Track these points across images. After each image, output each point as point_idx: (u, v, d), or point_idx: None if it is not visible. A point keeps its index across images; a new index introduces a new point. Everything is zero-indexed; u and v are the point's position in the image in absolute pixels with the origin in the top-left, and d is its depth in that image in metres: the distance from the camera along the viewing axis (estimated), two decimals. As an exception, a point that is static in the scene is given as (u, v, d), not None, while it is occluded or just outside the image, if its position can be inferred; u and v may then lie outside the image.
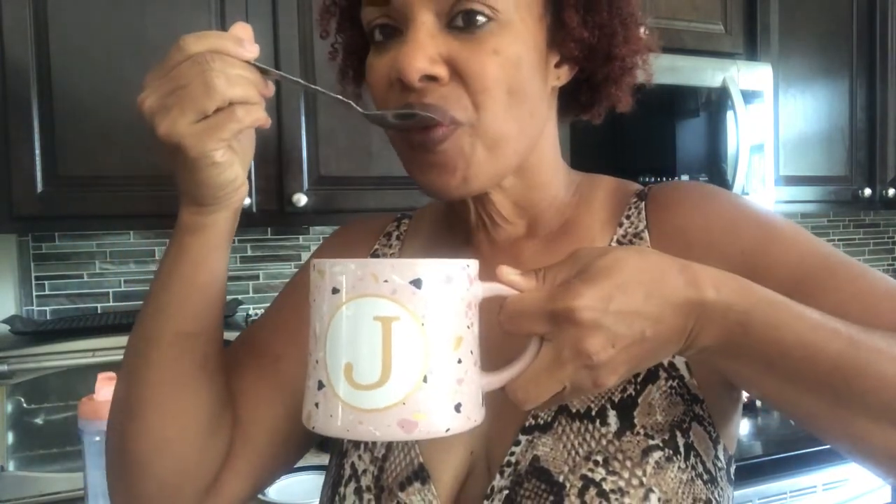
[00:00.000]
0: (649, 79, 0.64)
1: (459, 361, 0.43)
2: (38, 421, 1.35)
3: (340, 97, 0.55)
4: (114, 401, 0.59)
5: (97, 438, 1.05)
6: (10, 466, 1.32)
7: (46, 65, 1.34)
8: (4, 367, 1.30)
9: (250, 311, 1.81)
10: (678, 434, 0.56)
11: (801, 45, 2.06)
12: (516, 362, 0.45)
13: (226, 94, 0.48)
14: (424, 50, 0.51)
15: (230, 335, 1.47)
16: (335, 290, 0.43)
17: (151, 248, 1.76)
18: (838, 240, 2.65)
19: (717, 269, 0.46)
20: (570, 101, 0.63)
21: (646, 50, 0.61)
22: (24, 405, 1.34)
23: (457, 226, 0.66)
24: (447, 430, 0.43)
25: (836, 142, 2.13)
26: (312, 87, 0.53)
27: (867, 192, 2.16)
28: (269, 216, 1.53)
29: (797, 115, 2.06)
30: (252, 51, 0.52)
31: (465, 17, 0.52)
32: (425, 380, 0.42)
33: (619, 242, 0.60)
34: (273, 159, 1.52)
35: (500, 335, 0.44)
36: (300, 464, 1.60)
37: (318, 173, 1.55)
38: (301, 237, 1.90)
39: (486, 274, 0.61)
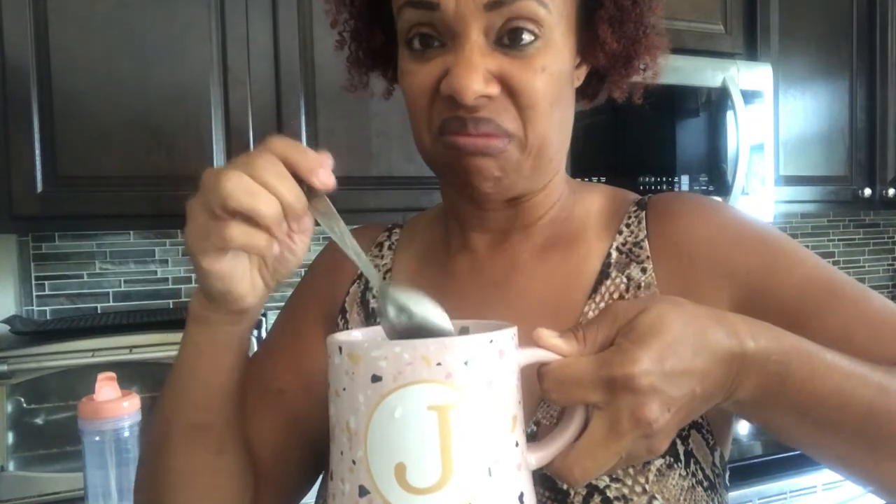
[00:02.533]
0: (656, 78, 0.64)
1: (517, 444, 0.39)
2: (38, 421, 1.35)
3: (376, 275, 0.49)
4: (137, 479, 0.59)
5: (97, 438, 1.05)
6: (10, 466, 1.32)
7: (46, 65, 1.34)
8: (4, 367, 1.30)
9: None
10: (678, 441, 0.56)
11: (801, 45, 2.06)
12: (560, 433, 0.41)
13: (226, 201, 0.43)
14: (478, 70, 0.51)
15: (230, 335, 1.47)
16: (376, 378, 0.36)
17: (151, 248, 1.76)
18: (838, 240, 2.65)
19: (749, 318, 0.45)
20: (577, 93, 0.64)
21: (661, 53, 0.63)
22: (24, 405, 1.34)
23: (453, 230, 0.66)
24: None
25: (836, 142, 2.13)
26: (355, 256, 0.49)
27: (867, 192, 2.16)
28: (269, 216, 1.53)
29: (797, 115, 2.06)
30: (324, 181, 0.46)
31: (512, 34, 0.53)
32: (490, 472, 0.37)
33: (619, 250, 0.61)
34: (273, 159, 1.52)
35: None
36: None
37: (318, 173, 1.55)
38: (301, 237, 1.90)
39: (483, 277, 0.61)
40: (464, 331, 0.44)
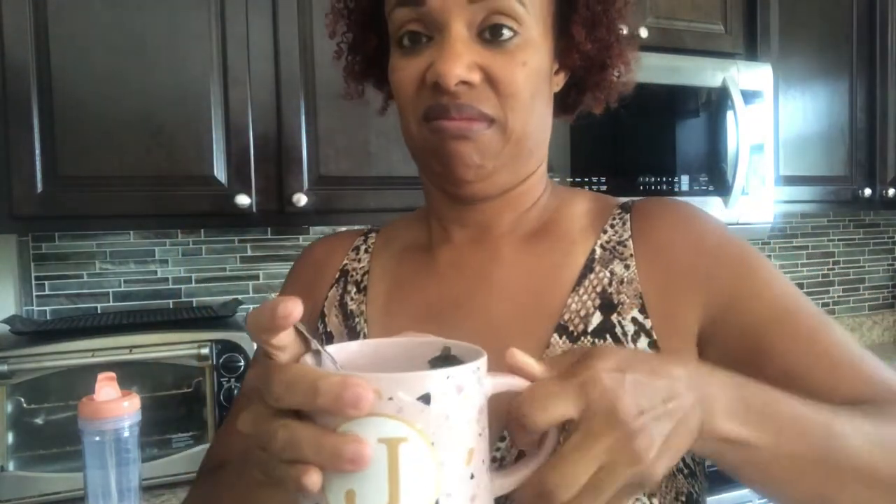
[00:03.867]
0: (629, 87, 0.68)
1: (472, 476, 0.39)
2: (38, 421, 1.35)
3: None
4: None
5: (97, 438, 1.04)
6: (10, 466, 1.32)
7: (46, 65, 1.34)
8: (4, 367, 1.30)
9: (250, 311, 1.81)
10: None
11: (801, 45, 2.06)
12: (532, 457, 0.41)
13: (281, 454, 0.38)
14: (461, 58, 0.55)
15: (231, 335, 1.48)
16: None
17: (151, 248, 1.76)
18: (838, 240, 2.65)
19: (700, 363, 0.48)
20: (556, 103, 0.67)
21: (633, 61, 0.66)
22: (24, 405, 1.34)
23: (434, 227, 0.69)
24: None
25: (836, 142, 2.13)
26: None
27: (867, 192, 2.16)
28: (269, 216, 1.53)
29: (797, 115, 2.06)
30: (293, 317, 0.38)
31: (493, 30, 0.57)
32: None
33: (603, 248, 0.63)
34: (273, 159, 1.52)
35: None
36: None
37: (318, 173, 1.55)
38: (301, 237, 1.90)
39: (463, 270, 0.64)
40: (445, 350, 0.44)
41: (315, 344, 0.41)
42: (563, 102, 0.68)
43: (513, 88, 0.57)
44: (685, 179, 1.80)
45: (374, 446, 0.36)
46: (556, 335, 0.60)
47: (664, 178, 1.78)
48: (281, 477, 0.38)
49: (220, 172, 1.47)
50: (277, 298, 0.38)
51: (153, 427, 1.39)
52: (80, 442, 1.06)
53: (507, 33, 0.57)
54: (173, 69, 1.43)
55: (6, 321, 1.44)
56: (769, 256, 2.51)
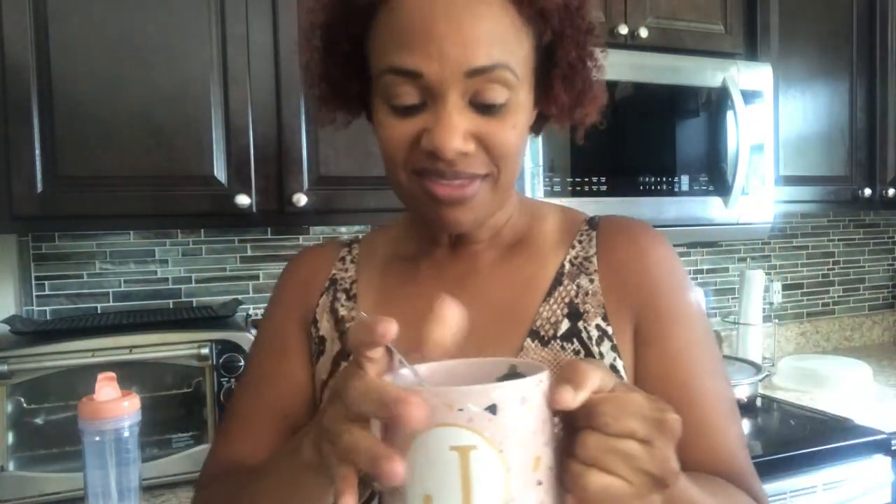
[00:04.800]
0: (596, 120, 0.72)
1: (539, 483, 0.42)
2: (38, 421, 1.35)
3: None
4: None
5: (97, 438, 1.04)
6: (10, 466, 1.32)
7: (46, 65, 1.34)
8: (4, 367, 1.30)
9: (250, 311, 1.81)
10: None
11: (801, 45, 2.06)
12: None
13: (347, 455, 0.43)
14: (457, 130, 0.58)
15: (231, 335, 1.48)
16: None
17: (151, 248, 1.77)
18: (838, 240, 2.65)
19: None
20: None
21: (600, 104, 0.70)
22: (24, 405, 1.34)
23: (414, 242, 0.74)
24: None
25: (836, 142, 2.13)
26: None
27: (867, 192, 2.16)
28: (269, 216, 1.53)
29: (797, 115, 2.06)
30: (387, 337, 0.43)
31: (487, 99, 0.59)
32: None
33: (571, 263, 0.70)
34: (273, 159, 1.52)
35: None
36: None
37: (318, 173, 1.55)
38: (301, 237, 1.90)
39: (444, 280, 0.70)
40: (511, 368, 0.48)
41: (400, 360, 0.45)
42: (531, 126, 0.71)
43: (505, 150, 0.61)
44: (685, 179, 1.80)
45: (446, 454, 0.40)
46: (528, 339, 0.66)
47: (664, 178, 1.78)
48: (334, 473, 0.43)
49: (220, 172, 1.47)
50: (378, 318, 0.43)
51: (153, 427, 1.39)
52: (80, 442, 1.06)
53: (500, 101, 0.59)
54: (173, 69, 1.43)
55: (6, 321, 1.44)
56: (769, 256, 2.51)
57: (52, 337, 1.37)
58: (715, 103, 1.83)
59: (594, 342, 0.66)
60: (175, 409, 1.43)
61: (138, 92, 1.40)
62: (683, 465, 0.52)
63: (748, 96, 1.84)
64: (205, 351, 1.41)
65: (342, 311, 0.73)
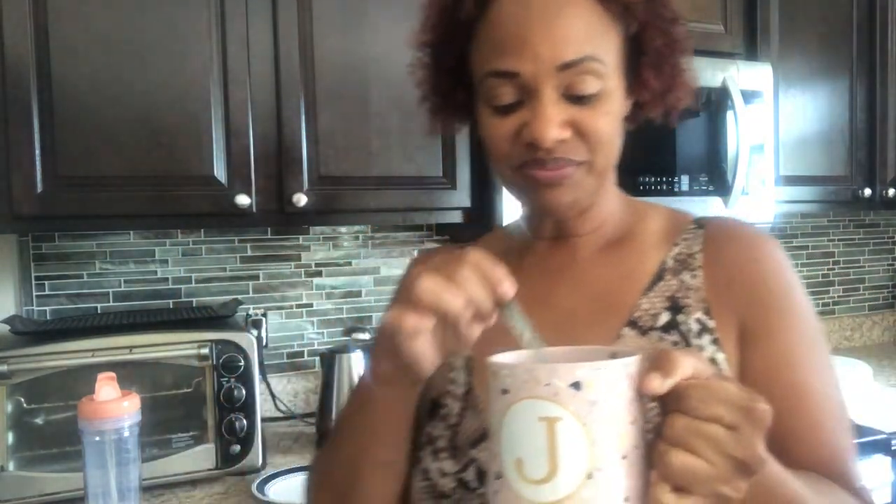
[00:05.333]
0: (687, 104, 0.76)
1: (624, 457, 0.45)
2: (38, 421, 1.35)
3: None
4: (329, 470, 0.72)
5: (97, 438, 1.05)
6: (10, 466, 1.32)
7: (46, 65, 1.34)
8: (4, 367, 1.30)
9: (250, 311, 1.81)
10: None
11: (801, 45, 2.06)
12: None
13: (420, 297, 0.53)
14: (554, 119, 0.63)
15: (231, 335, 1.48)
16: (504, 391, 0.47)
17: (151, 248, 1.77)
18: (838, 240, 2.65)
19: None
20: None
21: (692, 90, 0.74)
22: (24, 405, 1.34)
23: (523, 235, 0.79)
24: None
25: (836, 142, 2.13)
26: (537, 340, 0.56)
27: (867, 192, 2.16)
28: (269, 216, 1.53)
29: (797, 115, 2.06)
30: (505, 292, 0.55)
31: (579, 90, 0.64)
32: (590, 476, 0.44)
33: (675, 259, 0.72)
34: (273, 159, 1.52)
35: None
36: (300, 463, 1.60)
37: (318, 173, 1.55)
38: (301, 237, 1.90)
39: (546, 271, 0.75)
40: (612, 355, 0.51)
41: (512, 301, 0.55)
42: (627, 118, 0.75)
43: (599, 136, 0.65)
44: (685, 179, 1.80)
45: (535, 424, 0.45)
46: (626, 328, 0.69)
47: (664, 179, 1.78)
48: (456, 319, 0.53)
49: (220, 172, 1.47)
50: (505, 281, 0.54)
51: (153, 427, 1.39)
52: (80, 442, 1.06)
53: (591, 91, 0.64)
54: (173, 69, 1.43)
55: (6, 321, 1.44)
56: (769, 256, 2.51)
57: (52, 337, 1.37)
58: (715, 103, 1.83)
59: (694, 335, 0.67)
60: (175, 409, 1.43)
61: (138, 92, 1.40)
62: (787, 463, 0.56)
63: (748, 96, 1.84)
64: (205, 351, 1.41)
65: None
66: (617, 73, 0.67)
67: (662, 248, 0.73)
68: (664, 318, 0.69)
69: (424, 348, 0.55)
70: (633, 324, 0.69)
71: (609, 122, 0.66)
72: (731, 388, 0.46)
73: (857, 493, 0.64)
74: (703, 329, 0.67)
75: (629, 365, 0.46)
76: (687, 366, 0.46)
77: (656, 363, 0.46)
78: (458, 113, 0.76)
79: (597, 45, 0.64)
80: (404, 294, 0.54)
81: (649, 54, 0.69)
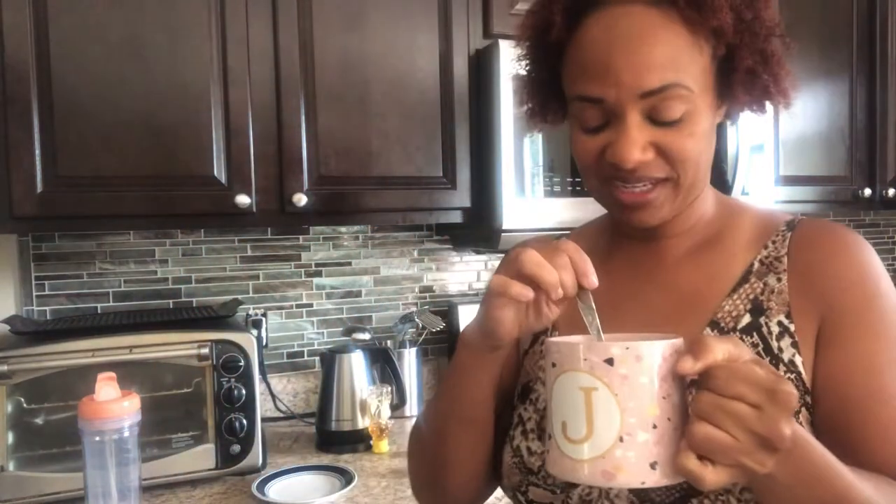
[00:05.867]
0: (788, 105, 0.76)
1: (654, 427, 0.51)
2: (38, 421, 1.35)
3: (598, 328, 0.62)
4: (417, 454, 0.82)
5: (97, 438, 1.05)
6: (10, 466, 1.32)
7: (46, 65, 1.34)
8: (4, 367, 1.30)
9: (250, 311, 1.81)
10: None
11: (801, 45, 2.05)
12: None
13: (522, 266, 0.60)
14: (637, 143, 0.65)
15: (231, 335, 1.48)
16: (553, 365, 0.55)
17: (151, 248, 1.77)
18: (838, 240, 2.64)
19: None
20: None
21: (793, 94, 0.75)
22: (24, 405, 1.34)
23: (613, 236, 0.81)
24: (642, 483, 0.52)
25: (836, 142, 2.13)
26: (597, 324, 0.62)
27: (867, 192, 2.16)
28: (269, 216, 1.53)
29: (797, 115, 2.06)
30: (590, 282, 0.61)
31: (664, 114, 0.65)
32: (621, 440, 0.51)
33: (762, 263, 0.72)
34: (273, 159, 1.52)
35: None
36: (300, 463, 1.61)
37: (318, 173, 1.55)
38: (301, 237, 1.90)
39: (636, 272, 0.78)
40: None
41: (587, 291, 0.61)
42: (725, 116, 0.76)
43: (683, 156, 0.66)
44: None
45: (575, 392, 0.53)
46: (708, 328, 0.70)
47: (664, 178, 1.78)
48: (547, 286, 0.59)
49: (220, 172, 1.47)
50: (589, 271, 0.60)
51: (153, 427, 1.39)
52: (80, 442, 1.06)
53: (675, 117, 0.65)
54: (173, 69, 1.43)
55: (6, 321, 1.44)
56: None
57: (52, 337, 1.37)
58: (715, 103, 1.83)
59: (774, 337, 0.68)
60: (175, 409, 1.43)
61: (138, 92, 1.40)
62: (858, 464, 0.60)
63: (748, 96, 1.84)
64: (205, 351, 1.41)
65: None
66: (704, 93, 0.67)
67: (752, 250, 0.74)
68: (745, 319, 0.69)
69: (509, 317, 0.62)
70: (714, 324, 0.70)
71: (695, 141, 0.66)
72: (757, 371, 0.49)
73: None
74: (784, 332, 0.68)
75: (660, 346, 0.52)
76: (719, 351, 0.50)
77: (692, 347, 0.51)
78: (553, 118, 0.79)
79: (682, 70, 0.64)
80: (510, 266, 0.61)
81: (739, 72, 0.69)
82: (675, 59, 0.64)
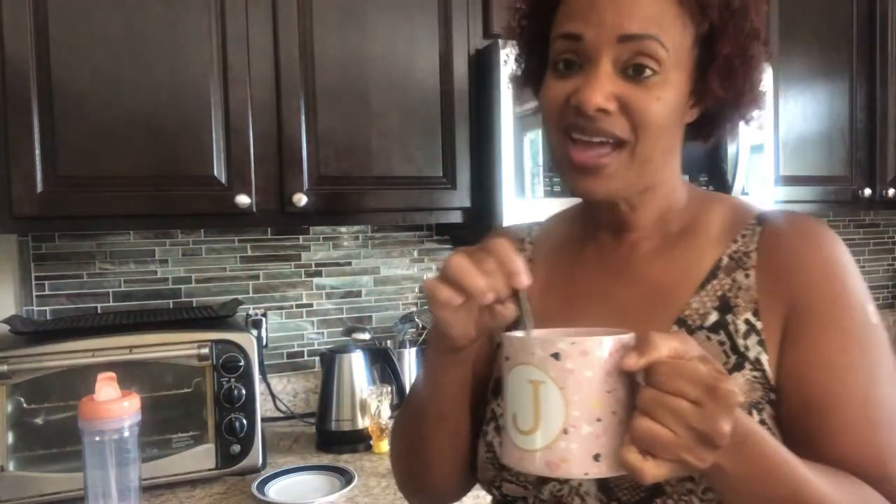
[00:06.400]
0: (758, 123, 0.77)
1: (598, 420, 0.53)
2: (38, 421, 1.35)
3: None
4: (396, 449, 0.84)
5: (97, 438, 1.05)
6: (10, 466, 1.32)
7: (46, 65, 1.34)
8: (4, 367, 1.30)
9: (250, 311, 1.81)
10: (754, 413, 0.65)
11: (801, 45, 2.06)
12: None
13: (446, 273, 0.60)
14: (603, 88, 0.65)
15: (231, 335, 1.48)
16: (507, 358, 0.57)
17: (151, 248, 1.77)
18: (838, 240, 2.65)
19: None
20: (691, 130, 0.76)
21: (762, 105, 0.74)
22: (24, 405, 1.34)
23: (585, 226, 0.81)
24: (585, 473, 0.54)
25: (836, 142, 2.13)
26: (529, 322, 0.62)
27: (867, 192, 2.16)
28: (269, 216, 1.53)
29: (797, 115, 2.06)
30: (521, 282, 0.60)
31: (637, 68, 0.65)
32: (566, 432, 0.53)
33: (730, 257, 0.72)
34: (273, 159, 1.52)
35: None
36: (300, 463, 1.61)
37: (318, 173, 1.55)
38: (301, 237, 1.90)
39: (605, 265, 0.77)
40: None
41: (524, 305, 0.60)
42: (697, 133, 0.78)
43: (645, 118, 0.66)
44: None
45: (525, 385, 0.54)
46: (675, 326, 0.70)
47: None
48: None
49: (220, 172, 1.47)
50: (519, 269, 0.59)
51: (153, 427, 1.39)
52: (80, 442, 1.06)
53: (647, 72, 0.65)
54: (173, 69, 1.43)
55: (6, 321, 1.44)
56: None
57: (52, 337, 1.37)
58: (715, 103, 1.83)
59: (741, 335, 0.68)
60: (175, 409, 1.43)
61: (138, 92, 1.40)
62: (819, 459, 0.60)
63: (748, 96, 1.84)
64: (205, 351, 1.41)
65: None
66: (680, 67, 0.67)
67: (721, 244, 0.73)
68: (713, 317, 0.69)
69: (455, 319, 0.62)
70: (681, 322, 0.70)
71: (660, 107, 0.66)
72: (700, 368, 0.50)
73: None
74: (751, 330, 0.68)
75: (606, 342, 0.53)
76: (664, 347, 0.51)
77: (638, 344, 0.52)
78: (533, 78, 0.78)
79: (663, 29, 0.65)
80: (441, 269, 0.61)
81: (718, 61, 0.69)
82: (659, 18, 0.65)
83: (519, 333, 0.59)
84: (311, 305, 1.92)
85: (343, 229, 1.94)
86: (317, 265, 1.93)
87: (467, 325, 0.63)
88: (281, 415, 1.84)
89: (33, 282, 1.67)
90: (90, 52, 1.37)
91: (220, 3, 1.46)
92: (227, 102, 1.47)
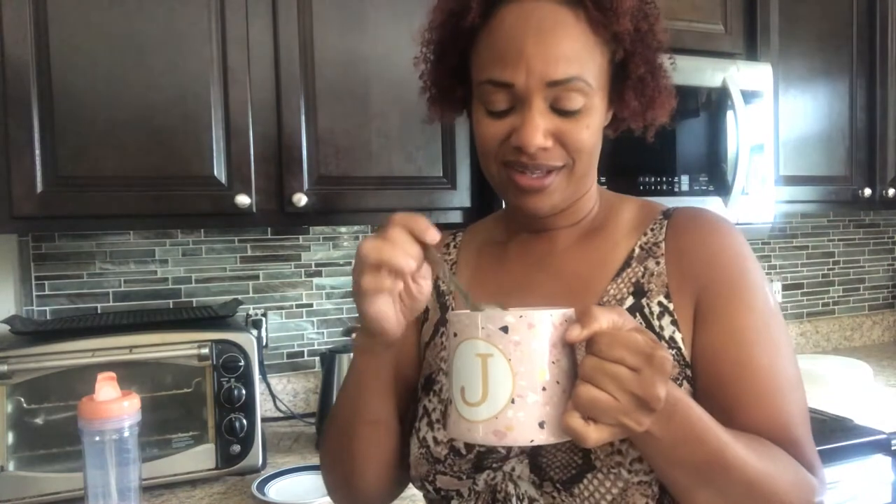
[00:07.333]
0: (664, 121, 0.83)
1: (544, 389, 0.56)
2: (38, 421, 1.35)
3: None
4: (328, 457, 0.85)
5: (97, 438, 1.05)
6: (10, 466, 1.32)
7: (46, 65, 1.34)
8: (4, 367, 1.30)
9: (250, 311, 1.81)
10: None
11: (801, 45, 2.06)
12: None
13: (366, 258, 0.63)
14: (539, 129, 0.70)
15: (231, 335, 1.48)
16: (454, 335, 0.59)
17: (151, 248, 1.77)
18: (838, 240, 2.65)
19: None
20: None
21: (670, 110, 0.81)
22: (24, 405, 1.34)
23: (508, 227, 0.88)
24: (531, 441, 0.56)
25: (836, 142, 2.13)
26: (462, 292, 0.66)
27: (867, 192, 2.16)
28: (269, 216, 1.53)
29: (797, 115, 2.06)
30: (431, 237, 0.64)
31: (566, 104, 0.71)
32: (513, 402, 0.55)
33: (641, 248, 0.78)
34: (273, 159, 1.52)
35: None
36: (300, 463, 1.60)
37: (318, 173, 1.55)
38: (301, 237, 1.90)
39: (528, 260, 0.83)
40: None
41: (431, 249, 0.64)
42: (609, 126, 0.82)
43: (578, 146, 0.72)
44: (685, 179, 1.80)
45: (473, 359, 0.57)
46: None
47: (664, 179, 1.78)
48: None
49: (220, 172, 1.47)
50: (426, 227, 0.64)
51: (153, 427, 1.39)
52: (80, 442, 1.06)
53: (576, 106, 0.71)
54: (173, 69, 1.43)
55: (6, 321, 1.44)
56: (769, 256, 2.51)
57: (52, 337, 1.37)
58: (715, 103, 1.83)
59: (655, 317, 0.74)
60: (175, 409, 1.43)
61: (138, 92, 1.40)
62: (735, 428, 0.65)
63: (748, 96, 1.84)
64: (205, 351, 1.41)
65: (442, 286, 0.88)
66: (601, 91, 0.74)
67: (633, 237, 0.80)
68: (628, 302, 0.75)
69: (386, 308, 0.65)
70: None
71: (590, 134, 0.73)
72: (637, 337, 0.54)
73: (808, 463, 0.70)
74: (664, 311, 0.74)
75: (551, 315, 0.56)
76: (603, 319, 0.55)
77: (580, 316, 0.56)
78: (455, 106, 0.84)
79: (585, 66, 0.71)
80: (358, 263, 0.64)
81: (632, 79, 0.76)
82: (580, 55, 0.70)
83: (466, 311, 0.61)
84: (311, 305, 1.92)
85: (343, 229, 1.94)
86: (317, 265, 1.93)
87: (397, 313, 0.67)
88: (281, 415, 1.84)
89: (33, 282, 1.67)
90: (90, 52, 1.37)
91: (220, 3, 1.46)
92: (227, 102, 1.47)
